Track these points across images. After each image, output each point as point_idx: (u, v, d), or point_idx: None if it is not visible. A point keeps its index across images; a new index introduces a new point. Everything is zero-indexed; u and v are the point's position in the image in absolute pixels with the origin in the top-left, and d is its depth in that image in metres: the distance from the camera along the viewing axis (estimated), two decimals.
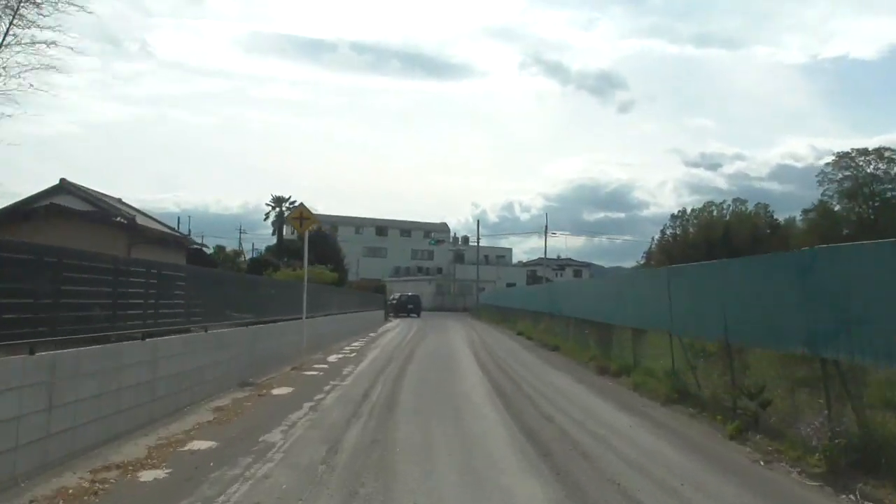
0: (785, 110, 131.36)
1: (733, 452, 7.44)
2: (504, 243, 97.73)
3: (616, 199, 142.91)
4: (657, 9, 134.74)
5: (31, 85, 16.05)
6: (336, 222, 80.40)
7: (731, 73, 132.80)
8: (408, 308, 53.26)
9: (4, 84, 15.54)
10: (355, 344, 22.61)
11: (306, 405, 9.83)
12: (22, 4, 15.69)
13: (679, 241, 60.53)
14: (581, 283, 23.24)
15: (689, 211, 64.88)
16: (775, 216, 62.04)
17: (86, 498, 5.27)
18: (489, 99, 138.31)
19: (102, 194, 21.40)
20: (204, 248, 34.06)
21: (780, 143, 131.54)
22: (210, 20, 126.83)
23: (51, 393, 5.91)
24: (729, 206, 63.25)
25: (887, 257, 6.09)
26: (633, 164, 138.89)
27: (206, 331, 10.35)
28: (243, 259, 48.14)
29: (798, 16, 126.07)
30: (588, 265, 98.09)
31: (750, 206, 62.63)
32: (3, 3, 15.49)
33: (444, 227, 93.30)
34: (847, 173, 52.81)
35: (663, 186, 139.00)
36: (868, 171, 52.09)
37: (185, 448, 6.99)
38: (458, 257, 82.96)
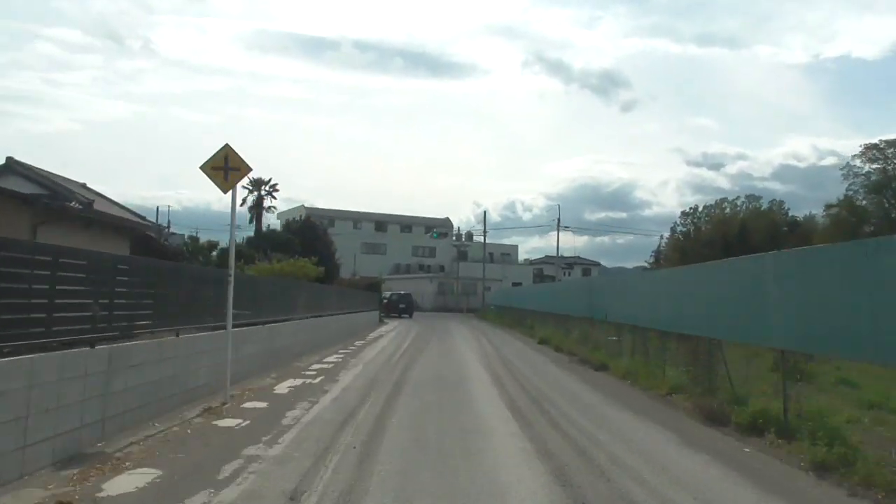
0: (787, 110, 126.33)
1: None
2: (508, 241, 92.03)
3: (618, 198, 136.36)
4: (660, 8, 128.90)
5: None
6: (333, 216, 75.08)
7: (734, 72, 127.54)
8: (399, 308, 48.03)
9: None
10: (330, 359, 16.84)
11: None
12: None
13: (692, 238, 55.85)
14: (651, 276, 17.27)
15: (700, 208, 60.46)
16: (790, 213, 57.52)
17: None
18: (491, 98, 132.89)
19: (61, 177, 18.25)
20: (163, 238, 28.62)
21: (782, 143, 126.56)
22: (212, 18, 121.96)
23: None
24: (743, 202, 58.85)
25: None
26: (635, 164, 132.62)
27: None
28: (217, 252, 42.48)
29: (800, 16, 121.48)
30: (597, 264, 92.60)
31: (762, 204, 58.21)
32: None
33: (446, 223, 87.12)
34: (876, 166, 47.23)
35: (665, 186, 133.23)
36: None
37: None
38: (462, 255, 76.61)
